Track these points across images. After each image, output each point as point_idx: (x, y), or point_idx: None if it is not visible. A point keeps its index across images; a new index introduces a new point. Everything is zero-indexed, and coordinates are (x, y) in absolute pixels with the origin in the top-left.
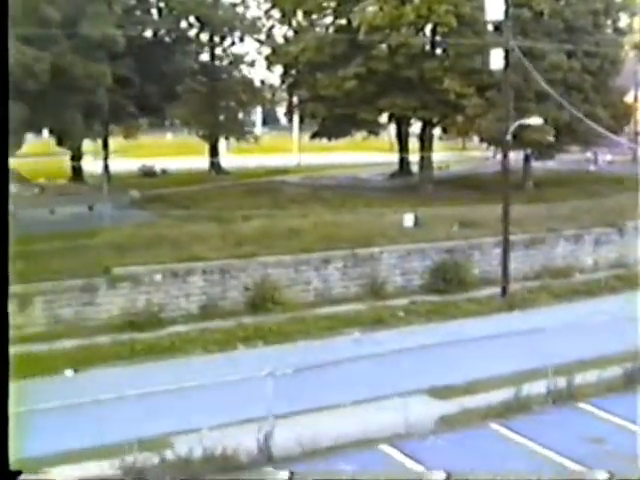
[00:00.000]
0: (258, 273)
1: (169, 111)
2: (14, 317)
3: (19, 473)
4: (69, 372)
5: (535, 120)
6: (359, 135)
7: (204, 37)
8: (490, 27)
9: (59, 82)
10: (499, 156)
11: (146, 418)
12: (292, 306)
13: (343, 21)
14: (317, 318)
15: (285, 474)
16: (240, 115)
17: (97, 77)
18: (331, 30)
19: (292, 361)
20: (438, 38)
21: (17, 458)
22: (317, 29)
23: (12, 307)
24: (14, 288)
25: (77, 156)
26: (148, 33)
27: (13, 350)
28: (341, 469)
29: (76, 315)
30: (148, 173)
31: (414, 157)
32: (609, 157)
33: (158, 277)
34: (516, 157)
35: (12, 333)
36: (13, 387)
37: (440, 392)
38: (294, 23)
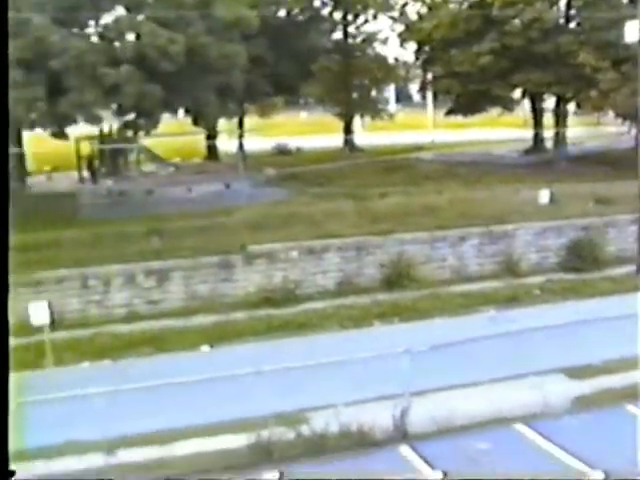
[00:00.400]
0: (394, 250)
1: (303, 89)
2: (152, 292)
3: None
4: (205, 347)
5: None
6: (493, 111)
7: (337, 16)
8: None
9: (194, 63)
10: (634, 131)
11: (282, 393)
12: (427, 283)
13: None
14: (452, 295)
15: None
16: (374, 93)
17: (232, 57)
18: (465, 6)
19: (428, 338)
20: (572, 12)
21: (162, 427)
22: (451, 5)
23: (150, 283)
24: (152, 264)
25: (212, 135)
26: (282, 13)
27: (153, 325)
28: (475, 447)
29: (213, 291)
30: (283, 151)
31: (548, 133)
32: None
33: (294, 254)
34: None
35: (150, 308)
36: (152, 360)
37: (576, 372)
38: (427, 0)
